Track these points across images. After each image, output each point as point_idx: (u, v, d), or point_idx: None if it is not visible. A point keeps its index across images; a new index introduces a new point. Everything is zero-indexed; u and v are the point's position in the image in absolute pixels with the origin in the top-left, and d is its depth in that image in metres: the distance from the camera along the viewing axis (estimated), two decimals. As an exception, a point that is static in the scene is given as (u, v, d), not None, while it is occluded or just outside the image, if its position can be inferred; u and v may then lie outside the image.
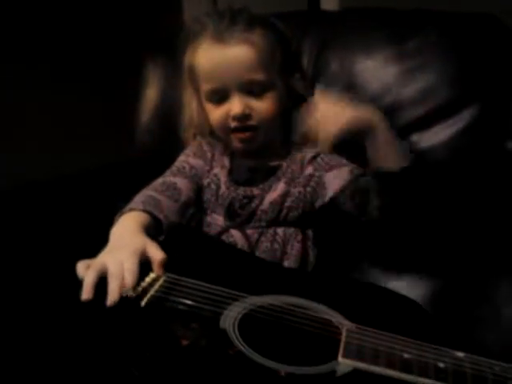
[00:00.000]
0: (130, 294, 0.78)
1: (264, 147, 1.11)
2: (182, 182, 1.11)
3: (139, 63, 1.47)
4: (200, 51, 1.07)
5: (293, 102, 1.12)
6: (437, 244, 1.16)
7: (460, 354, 0.69)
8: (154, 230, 0.97)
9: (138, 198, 1.03)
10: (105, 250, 0.88)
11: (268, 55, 1.05)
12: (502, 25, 1.18)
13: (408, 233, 1.15)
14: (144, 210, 0.98)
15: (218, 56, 1.04)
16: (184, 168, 1.14)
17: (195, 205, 1.13)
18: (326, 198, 1.08)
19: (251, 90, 1.05)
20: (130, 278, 0.80)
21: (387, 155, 1.06)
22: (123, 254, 0.84)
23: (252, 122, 1.06)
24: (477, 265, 1.11)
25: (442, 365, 0.67)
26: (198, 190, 1.14)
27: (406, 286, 1.11)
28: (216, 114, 1.08)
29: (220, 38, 1.03)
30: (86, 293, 0.77)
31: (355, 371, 0.66)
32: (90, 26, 1.89)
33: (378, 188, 1.04)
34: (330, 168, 1.10)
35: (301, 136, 1.12)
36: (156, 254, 0.86)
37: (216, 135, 1.16)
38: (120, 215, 0.98)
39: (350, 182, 1.07)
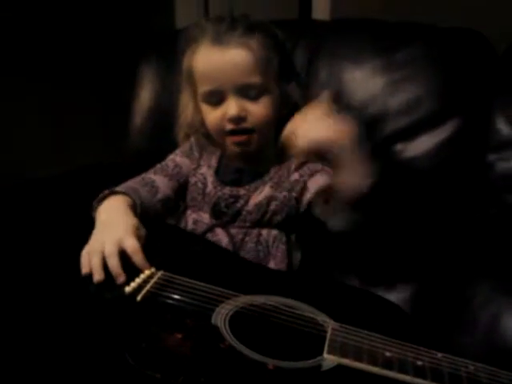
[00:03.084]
0: (127, 290, 0.81)
1: (256, 152, 1.12)
2: (161, 180, 1.15)
3: (133, 65, 1.49)
4: (198, 54, 1.08)
5: (288, 110, 1.12)
6: (416, 249, 1.20)
7: (438, 354, 0.73)
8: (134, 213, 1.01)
9: (120, 186, 1.08)
10: (96, 230, 0.93)
11: (265, 61, 1.07)
12: (485, 40, 1.21)
13: (387, 238, 1.19)
14: (125, 193, 1.03)
15: (216, 58, 1.06)
16: (167, 166, 1.18)
17: (175, 203, 1.17)
18: (306, 202, 1.10)
19: (247, 93, 1.06)
20: (137, 257, 0.88)
21: (349, 175, 0.95)
22: (119, 231, 0.90)
23: (247, 125, 1.07)
24: (455, 269, 1.15)
25: (420, 363, 0.70)
26: (180, 188, 1.17)
27: (386, 289, 1.14)
28: (212, 116, 1.09)
29: (218, 41, 1.05)
30: (98, 275, 0.84)
31: (339, 366, 0.70)
32: (85, 29, 1.90)
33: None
34: (313, 173, 1.12)
35: (281, 143, 1.04)
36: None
37: (210, 137, 1.17)
38: (98, 200, 1.03)
39: (326, 185, 1.07)
